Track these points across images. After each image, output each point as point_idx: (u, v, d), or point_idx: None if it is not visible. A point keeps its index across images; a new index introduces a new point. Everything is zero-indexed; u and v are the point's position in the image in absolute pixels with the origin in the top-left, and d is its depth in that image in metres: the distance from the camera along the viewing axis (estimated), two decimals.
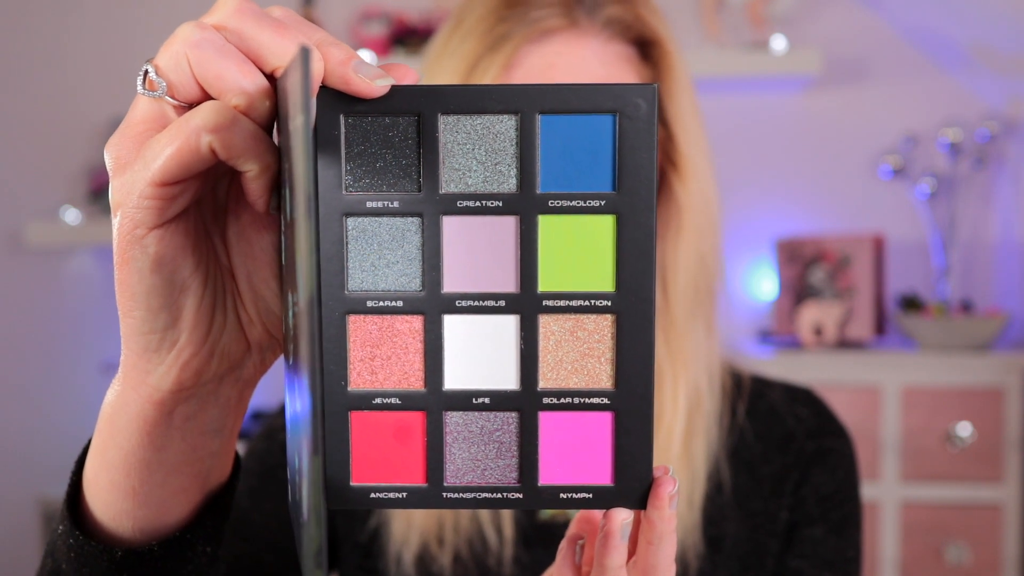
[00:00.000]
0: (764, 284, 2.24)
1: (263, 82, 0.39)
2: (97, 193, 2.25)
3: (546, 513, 0.77)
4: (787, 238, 2.16)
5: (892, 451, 1.90)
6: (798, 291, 2.13)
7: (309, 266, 0.31)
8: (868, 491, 1.88)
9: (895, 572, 1.92)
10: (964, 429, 1.88)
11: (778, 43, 2.05)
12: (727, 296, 0.81)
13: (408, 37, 2.17)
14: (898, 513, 1.91)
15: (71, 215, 2.21)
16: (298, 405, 0.36)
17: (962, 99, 2.19)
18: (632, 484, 0.41)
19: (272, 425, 0.81)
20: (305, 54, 0.31)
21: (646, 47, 0.74)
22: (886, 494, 1.90)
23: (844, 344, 2.05)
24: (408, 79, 0.39)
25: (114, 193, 0.40)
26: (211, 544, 0.50)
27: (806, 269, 2.12)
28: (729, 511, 0.77)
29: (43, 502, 2.16)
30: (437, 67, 0.74)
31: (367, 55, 2.12)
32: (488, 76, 0.70)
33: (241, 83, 0.38)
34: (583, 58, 0.71)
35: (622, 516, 0.41)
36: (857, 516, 0.79)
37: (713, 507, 0.77)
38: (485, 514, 0.76)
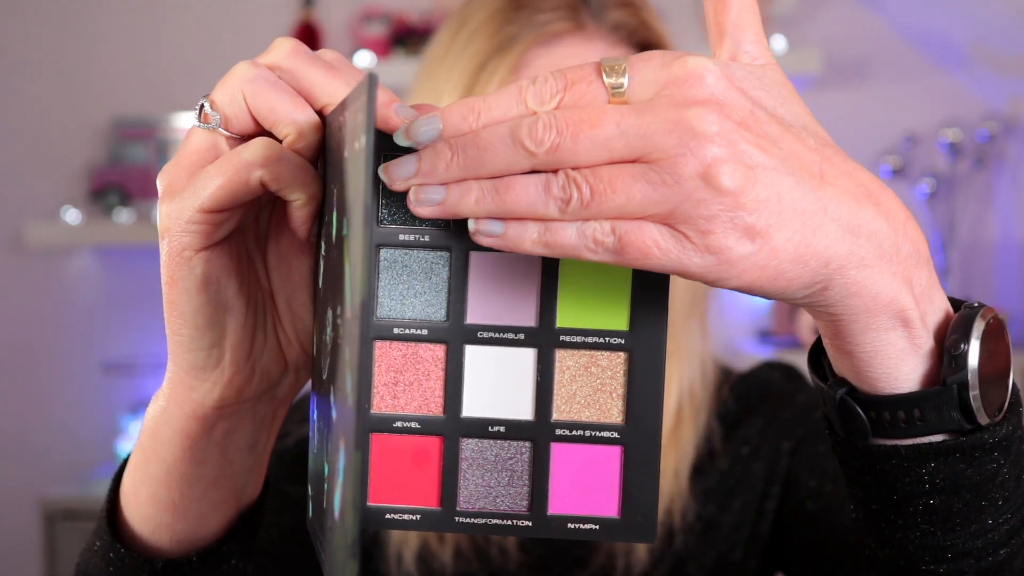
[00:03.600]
0: None
1: (314, 116, 0.41)
2: (97, 193, 2.25)
3: None
4: None
5: None
6: None
7: (364, 272, 0.32)
8: None
9: None
10: None
11: (778, 43, 2.05)
12: (723, 295, 0.83)
13: (408, 37, 2.17)
14: None
15: (71, 215, 2.21)
16: (334, 414, 0.38)
17: (962, 99, 2.19)
18: (637, 518, 0.43)
19: None
20: (372, 79, 0.33)
21: (649, 50, 0.76)
22: None
23: None
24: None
25: (162, 219, 0.42)
26: (243, 558, 0.52)
27: None
28: (721, 461, 0.79)
29: (43, 502, 2.16)
30: (441, 68, 0.74)
31: (367, 56, 2.12)
32: (496, 77, 0.71)
33: (293, 115, 0.41)
34: (589, 61, 0.72)
35: None
36: None
37: (704, 467, 0.79)
38: None
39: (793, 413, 0.80)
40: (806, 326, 2.04)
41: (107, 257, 2.35)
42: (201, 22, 2.31)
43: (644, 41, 0.75)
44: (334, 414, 0.38)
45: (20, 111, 2.33)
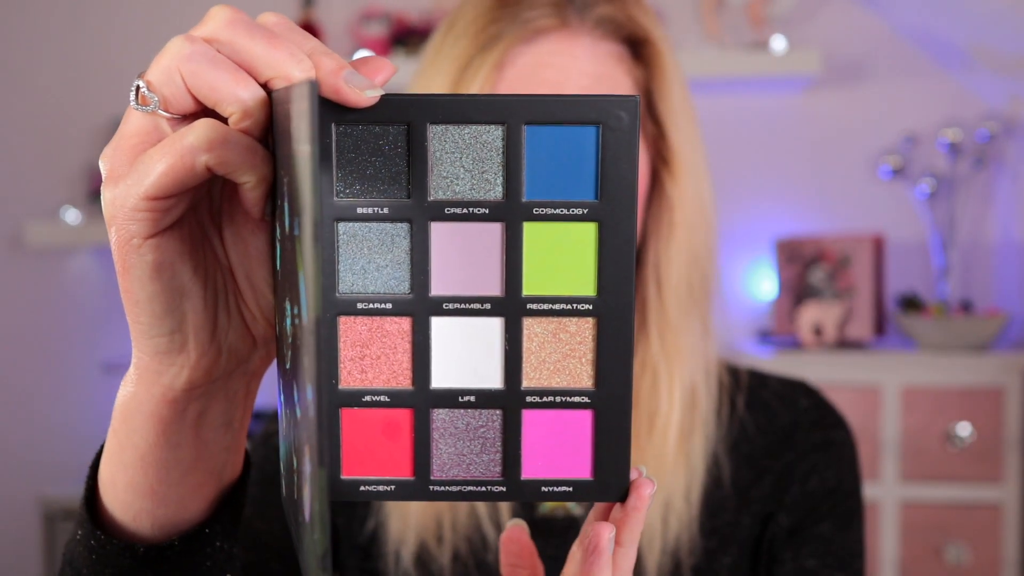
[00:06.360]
0: (764, 284, 2.24)
1: (259, 92, 0.39)
2: (97, 193, 2.25)
3: (546, 506, 0.78)
4: (787, 238, 2.16)
5: (892, 451, 1.90)
6: (798, 291, 2.13)
7: (316, 288, 0.32)
8: (868, 491, 1.88)
9: (895, 572, 1.92)
10: (964, 429, 1.88)
11: (778, 43, 2.05)
12: (723, 295, 0.83)
13: (408, 37, 2.17)
14: (898, 513, 1.91)
15: (71, 215, 2.21)
16: (298, 411, 0.37)
17: (962, 99, 2.18)
18: (610, 479, 0.43)
19: (268, 430, 0.81)
20: (312, 87, 0.32)
21: (637, 46, 0.75)
22: (886, 494, 1.90)
23: (844, 344, 2.05)
24: (383, 72, 0.40)
25: (107, 206, 0.40)
26: (227, 540, 0.51)
27: (806, 269, 2.12)
28: (729, 503, 0.78)
29: (43, 502, 2.16)
30: (431, 70, 0.74)
31: (367, 55, 2.12)
32: (479, 76, 0.71)
33: (236, 92, 0.38)
34: (574, 56, 0.72)
35: (608, 531, 0.44)
36: (860, 509, 0.81)
37: (712, 501, 0.78)
38: (483, 510, 0.76)
39: (815, 484, 0.80)
40: (806, 326, 2.03)
41: (107, 257, 2.35)
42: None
43: (631, 35, 0.74)
44: (299, 412, 0.37)
45: (20, 111, 2.34)
